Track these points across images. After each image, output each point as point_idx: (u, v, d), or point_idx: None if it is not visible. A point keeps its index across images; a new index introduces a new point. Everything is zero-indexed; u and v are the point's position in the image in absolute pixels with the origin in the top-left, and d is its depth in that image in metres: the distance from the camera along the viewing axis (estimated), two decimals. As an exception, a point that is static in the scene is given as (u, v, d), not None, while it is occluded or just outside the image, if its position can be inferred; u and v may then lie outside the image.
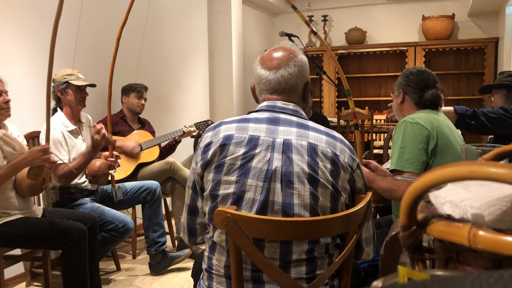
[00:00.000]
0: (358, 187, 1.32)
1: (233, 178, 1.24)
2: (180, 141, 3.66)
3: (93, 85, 2.83)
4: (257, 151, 1.24)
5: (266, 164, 1.23)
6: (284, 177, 1.22)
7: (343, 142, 1.32)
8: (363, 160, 2.08)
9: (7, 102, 2.30)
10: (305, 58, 1.38)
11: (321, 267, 1.29)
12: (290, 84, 1.34)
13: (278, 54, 1.36)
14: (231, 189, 1.24)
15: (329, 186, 1.25)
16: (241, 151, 1.25)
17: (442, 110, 2.15)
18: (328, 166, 1.25)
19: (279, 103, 1.33)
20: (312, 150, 1.25)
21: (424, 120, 1.86)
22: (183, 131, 3.52)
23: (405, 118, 1.91)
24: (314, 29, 2.14)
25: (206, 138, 1.31)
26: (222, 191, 1.25)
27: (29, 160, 2.11)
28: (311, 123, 1.33)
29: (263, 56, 1.38)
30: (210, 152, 1.27)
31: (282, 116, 1.31)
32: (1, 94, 2.28)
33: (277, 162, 1.23)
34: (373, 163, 2.02)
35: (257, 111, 1.35)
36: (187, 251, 3.05)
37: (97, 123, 3.19)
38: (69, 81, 2.72)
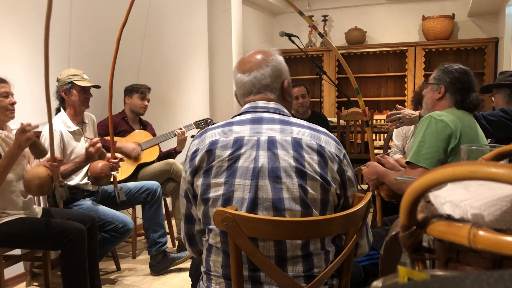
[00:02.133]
0: (347, 176, 1.34)
1: (221, 180, 1.26)
2: (180, 152, 3.61)
3: (97, 87, 2.83)
4: (242, 151, 1.27)
5: (252, 162, 1.25)
6: (271, 173, 1.24)
7: (327, 134, 1.34)
8: (377, 156, 2.08)
9: (13, 104, 2.32)
10: (280, 59, 1.42)
11: (318, 265, 1.29)
12: (264, 84, 1.38)
13: (252, 58, 1.41)
14: (221, 191, 1.26)
15: (318, 178, 1.26)
16: (227, 153, 1.27)
17: None
18: (315, 157, 1.27)
19: (261, 103, 1.37)
20: (297, 144, 1.27)
21: (450, 119, 1.85)
22: (175, 133, 3.48)
23: (431, 113, 1.89)
24: (321, 32, 2.14)
25: (193, 146, 1.34)
26: (212, 194, 1.27)
27: (17, 144, 2.13)
28: (293, 120, 1.35)
29: (240, 61, 1.43)
30: (197, 159, 1.29)
31: (265, 115, 1.34)
32: (8, 96, 2.30)
33: (263, 159, 1.25)
34: (390, 162, 2.02)
35: (240, 114, 1.38)
36: (188, 252, 3.05)
37: (98, 123, 3.20)
38: (74, 81, 2.71)
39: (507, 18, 4.94)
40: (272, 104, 1.37)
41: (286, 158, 1.25)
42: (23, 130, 2.10)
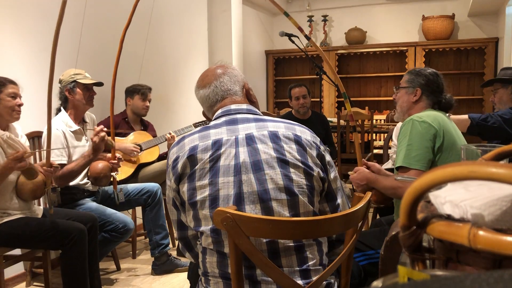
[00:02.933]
0: (327, 160, 1.39)
1: (205, 181, 1.29)
2: None
3: (100, 84, 2.82)
4: (222, 150, 1.30)
5: (233, 159, 1.29)
6: (254, 167, 1.28)
7: (302, 126, 1.41)
8: (363, 160, 2.07)
9: (20, 105, 2.34)
10: (234, 67, 1.53)
11: (312, 257, 1.30)
12: (225, 89, 1.45)
13: (208, 72, 1.50)
14: (206, 192, 1.28)
15: (300, 164, 1.30)
16: (208, 154, 1.30)
17: (455, 118, 2.14)
18: (294, 146, 1.32)
19: (233, 106, 1.42)
20: (274, 136, 1.33)
21: (431, 119, 1.88)
22: (165, 138, 3.44)
23: (412, 116, 1.92)
24: (307, 35, 2.13)
25: (173, 154, 1.37)
26: (199, 197, 1.29)
27: (9, 167, 2.13)
28: (267, 117, 1.42)
29: (198, 80, 1.52)
30: (179, 166, 1.32)
31: (239, 116, 1.39)
32: (16, 97, 2.33)
33: (243, 155, 1.29)
34: (376, 166, 2.02)
35: (215, 119, 1.43)
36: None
37: (99, 124, 3.19)
38: (77, 80, 2.71)
39: (507, 18, 4.94)
40: (244, 106, 1.43)
41: (266, 151, 1.30)
42: (19, 158, 2.10)
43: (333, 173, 1.39)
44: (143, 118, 3.51)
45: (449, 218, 0.62)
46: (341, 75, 6.30)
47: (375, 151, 4.76)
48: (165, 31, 4.29)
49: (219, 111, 1.43)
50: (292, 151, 1.31)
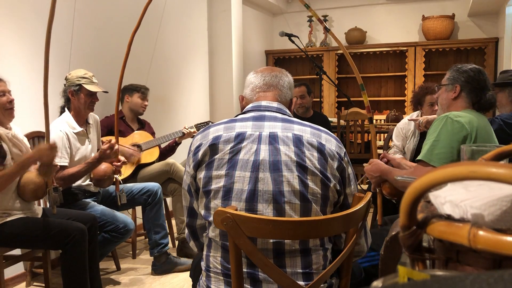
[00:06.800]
0: (348, 173, 1.37)
1: (222, 172, 1.29)
2: (180, 143, 3.64)
3: (105, 92, 2.82)
4: (243, 144, 1.31)
5: (252, 155, 1.29)
6: (272, 166, 1.27)
7: (328, 133, 1.38)
8: (384, 153, 2.07)
9: (11, 101, 2.27)
10: (291, 80, 1.55)
11: (316, 261, 1.30)
12: (281, 85, 1.47)
13: (272, 69, 1.52)
14: (222, 183, 1.29)
15: (318, 173, 1.29)
16: (229, 146, 1.31)
17: None
18: (315, 154, 1.31)
19: (264, 103, 1.43)
20: (298, 140, 1.31)
21: (466, 120, 1.83)
22: (183, 132, 3.50)
23: (448, 113, 1.87)
24: (327, 26, 2.11)
25: (196, 141, 1.38)
26: (213, 186, 1.30)
27: (36, 157, 2.12)
28: (296, 119, 1.40)
29: (257, 70, 1.54)
30: (200, 153, 1.33)
31: (267, 113, 1.39)
32: (5, 94, 2.25)
33: (264, 153, 1.29)
34: (396, 160, 2.02)
35: (243, 113, 1.44)
36: (190, 261, 3.05)
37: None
38: (82, 84, 2.69)
39: (507, 18, 4.94)
40: (274, 104, 1.42)
41: (287, 153, 1.29)
42: (53, 148, 2.10)
43: (352, 187, 1.37)
44: (140, 117, 3.52)
45: (449, 218, 0.62)
46: (341, 75, 6.30)
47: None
48: (165, 31, 4.29)
49: (250, 105, 1.44)
50: (312, 159, 1.30)
